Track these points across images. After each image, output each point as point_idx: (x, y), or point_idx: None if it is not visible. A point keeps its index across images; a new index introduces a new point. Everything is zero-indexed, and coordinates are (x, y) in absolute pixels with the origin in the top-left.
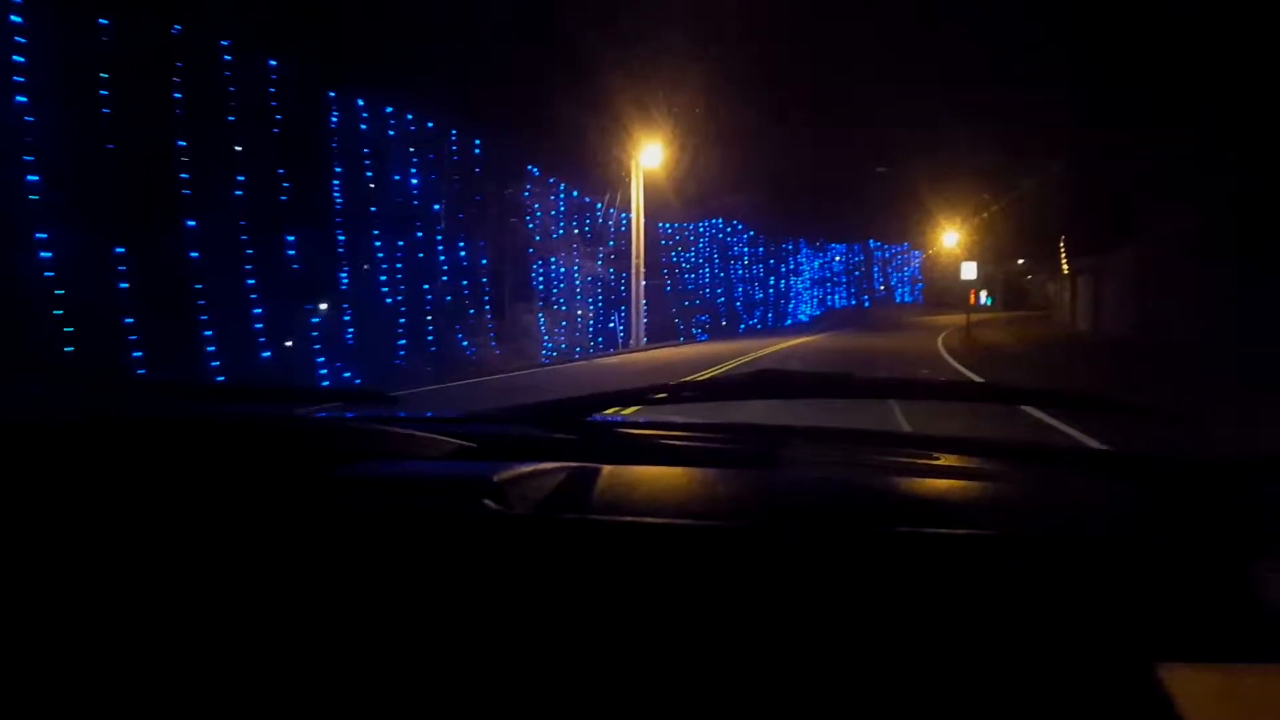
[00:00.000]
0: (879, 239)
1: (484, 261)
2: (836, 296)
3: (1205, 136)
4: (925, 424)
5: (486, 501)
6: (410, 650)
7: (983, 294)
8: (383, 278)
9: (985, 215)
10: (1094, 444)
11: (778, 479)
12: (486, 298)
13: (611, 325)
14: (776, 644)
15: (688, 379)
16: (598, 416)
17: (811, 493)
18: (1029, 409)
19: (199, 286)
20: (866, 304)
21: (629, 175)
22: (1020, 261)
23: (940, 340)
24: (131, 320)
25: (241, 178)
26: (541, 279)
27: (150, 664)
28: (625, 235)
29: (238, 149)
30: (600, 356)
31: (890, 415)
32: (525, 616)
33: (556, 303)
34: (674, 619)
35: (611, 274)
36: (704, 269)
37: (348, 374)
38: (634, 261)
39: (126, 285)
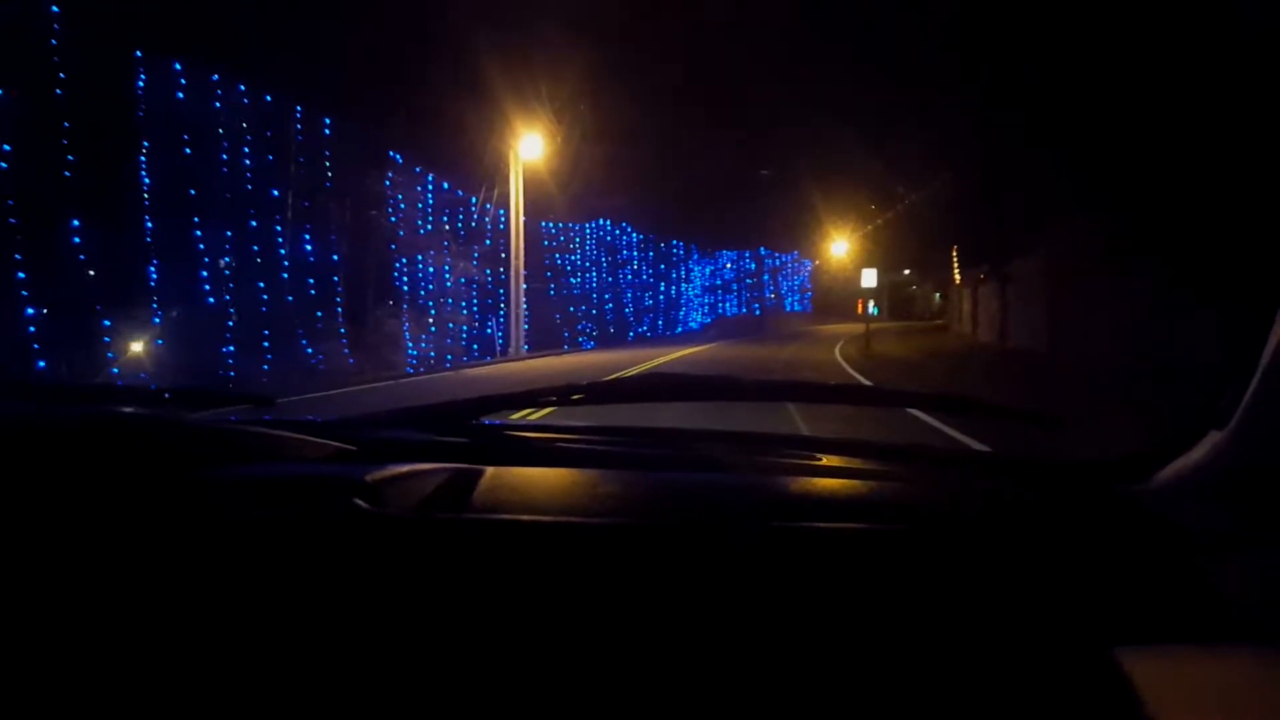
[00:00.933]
0: (770, 247)
1: (335, 258)
2: (728, 304)
3: (1109, 139)
4: (822, 429)
5: (358, 501)
6: (278, 650)
7: (870, 304)
8: (203, 274)
9: (874, 225)
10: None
11: (665, 479)
12: (339, 299)
13: (489, 332)
14: (655, 640)
15: (579, 384)
16: (486, 420)
17: (698, 492)
18: (921, 414)
19: None
20: (758, 311)
21: (507, 168)
22: (906, 272)
23: (838, 351)
24: None
25: (7, 147)
26: (406, 279)
27: (18, 669)
28: (504, 234)
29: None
30: (475, 365)
31: (790, 421)
32: (401, 617)
33: (424, 306)
34: (555, 617)
35: (489, 276)
36: (591, 273)
37: (154, 387)
38: (513, 262)
39: None
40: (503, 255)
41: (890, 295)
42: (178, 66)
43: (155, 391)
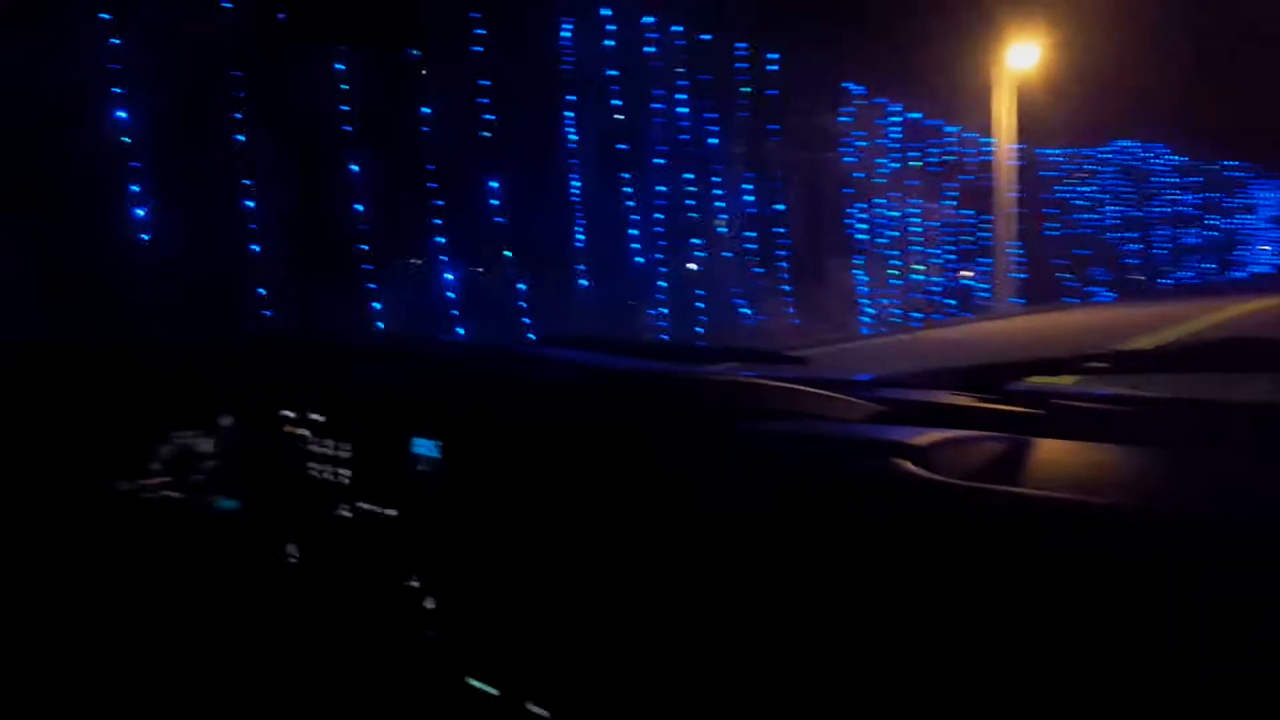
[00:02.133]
0: None
1: (780, 207)
2: None
3: None
4: None
5: (905, 464)
6: (815, 606)
7: None
8: (634, 232)
9: None
10: None
11: (1243, 467)
12: (782, 252)
13: (965, 283)
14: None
15: (1128, 347)
16: (1023, 385)
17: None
18: None
19: (364, 247)
20: None
21: (993, 83)
22: None
23: None
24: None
25: (427, 110)
26: (864, 226)
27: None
28: (988, 167)
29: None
30: (947, 325)
31: None
32: (944, 589)
33: (884, 256)
34: (1111, 622)
35: (968, 217)
36: (1108, 207)
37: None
38: (999, 199)
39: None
40: (983, 191)
41: None
42: (605, 11)
43: (701, 348)
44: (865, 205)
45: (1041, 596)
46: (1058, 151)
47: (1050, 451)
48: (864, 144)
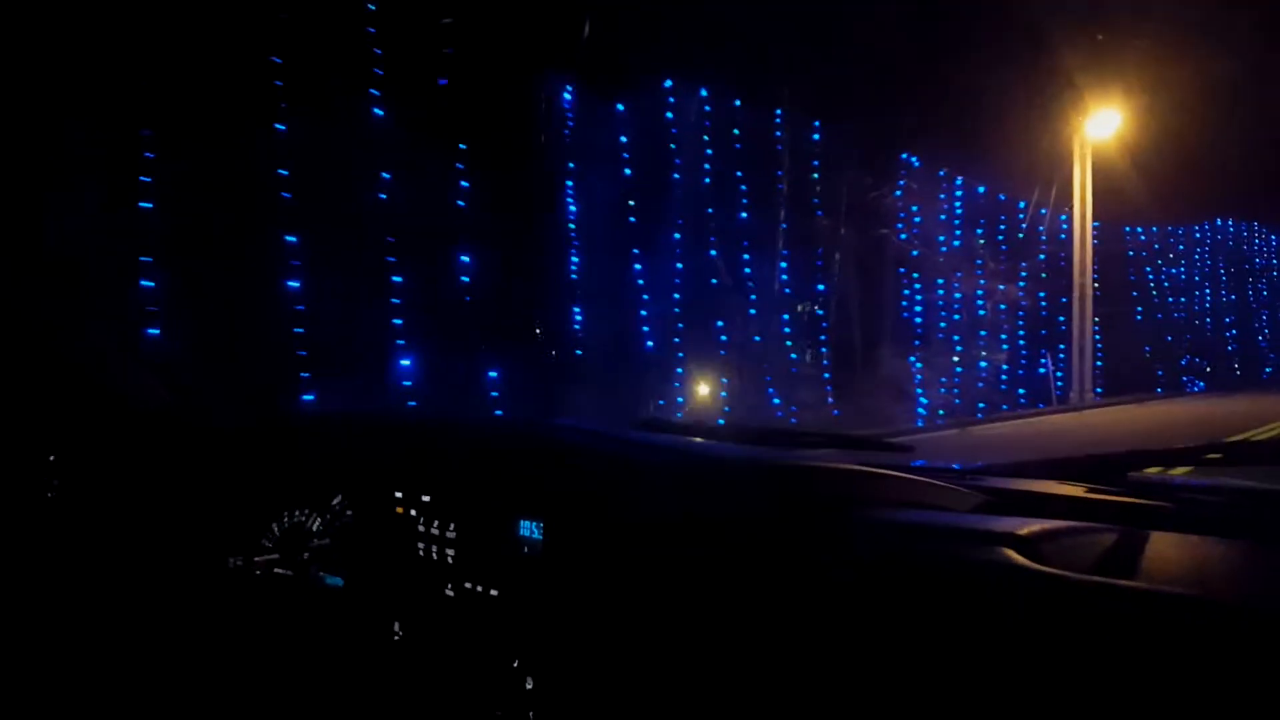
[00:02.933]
0: None
1: (821, 287)
2: None
3: None
4: None
5: (1010, 554)
6: (916, 688)
7: None
8: (644, 313)
9: None
10: None
11: None
12: (824, 336)
13: (1042, 370)
14: None
15: (1243, 438)
16: (1135, 475)
17: None
18: None
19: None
20: None
21: (1068, 157)
22: None
23: None
24: None
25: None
26: (920, 309)
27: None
28: (1065, 245)
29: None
30: (1018, 416)
31: None
32: (1056, 683)
33: (944, 342)
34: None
35: (1042, 300)
36: (1202, 290)
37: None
38: (1077, 280)
39: None
40: (1059, 271)
41: None
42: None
43: (803, 432)
44: (923, 285)
45: (1159, 695)
46: (1140, 230)
47: (1166, 545)
48: (921, 220)
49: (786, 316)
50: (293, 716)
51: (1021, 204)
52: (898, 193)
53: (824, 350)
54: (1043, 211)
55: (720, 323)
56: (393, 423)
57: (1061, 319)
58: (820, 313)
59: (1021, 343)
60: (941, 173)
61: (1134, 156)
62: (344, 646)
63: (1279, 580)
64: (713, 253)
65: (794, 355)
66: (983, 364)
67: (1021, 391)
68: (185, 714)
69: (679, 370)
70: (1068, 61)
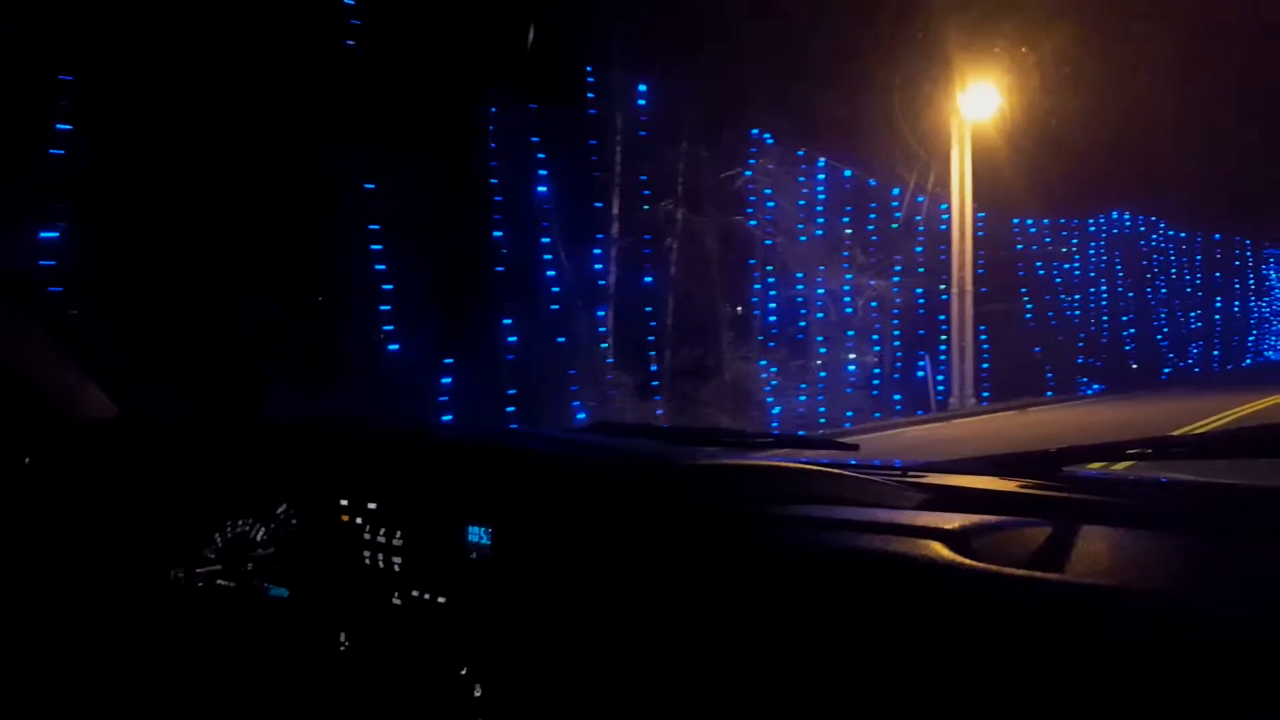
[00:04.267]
0: None
1: (648, 280)
2: None
3: None
4: None
5: (941, 548)
6: (846, 685)
7: None
8: (385, 308)
9: None
10: None
11: None
12: (651, 337)
13: (920, 374)
14: None
15: (1178, 433)
16: (1073, 470)
17: None
18: None
19: None
20: None
21: (952, 136)
22: None
23: None
24: None
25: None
26: (774, 306)
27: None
28: (944, 237)
29: None
30: (889, 426)
31: None
32: (976, 673)
33: (802, 343)
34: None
35: (920, 297)
36: (1097, 287)
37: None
38: (955, 275)
39: None
40: (938, 267)
41: None
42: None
43: (752, 433)
44: (778, 279)
45: (1080, 684)
46: (1030, 222)
47: (1097, 539)
48: (781, 205)
49: (602, 313)
50: None
51: (895, 190)
52: (748, 172)
53: (652, 354)
54: (920, 200)
55: (507, 320)
56: (338, 429)
57: (943, 317)
58: (649, 309)
59: (897, 343)
60: (801, 152)
61: (1022, 141)
62: (290, 658)
63: (1208, 571)
64: (497, 234)
65: (611, 360)
66: (851, 367)
67: (897, 397)
68: None
69: (444, 375)
70: (945, 29)
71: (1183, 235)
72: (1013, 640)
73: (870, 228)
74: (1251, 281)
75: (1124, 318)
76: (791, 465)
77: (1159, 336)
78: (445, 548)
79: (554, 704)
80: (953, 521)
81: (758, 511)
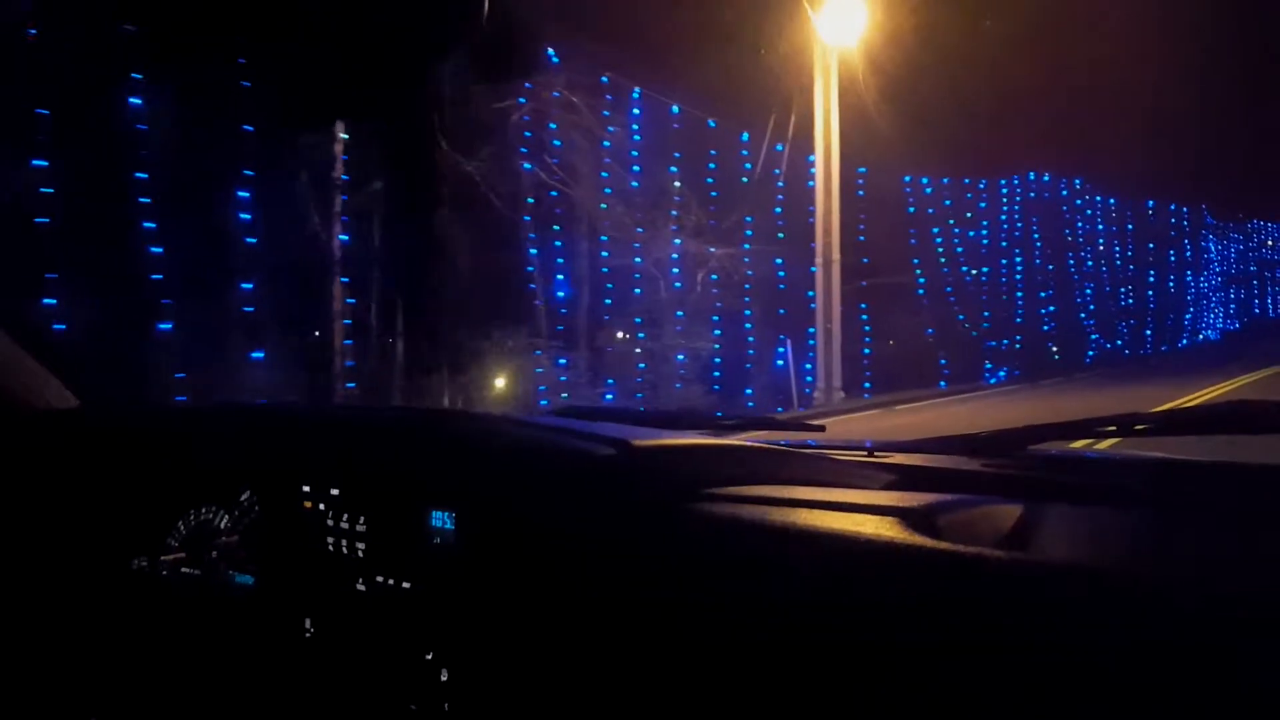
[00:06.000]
0: None
1: (343, 239)
2: (1270, 301)
3: None
4: None
5: (905, 528)
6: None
7: None
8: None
9: None
10: None
11: (1249, 530)
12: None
13: (780, 363)
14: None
15: (1144, 412)
16: (1039, 449)
17: None
18: None
19: None
20: None
21: (815, 67)
22: None
23: None
24: None
25: None
26: (565, 278)
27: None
28: (812, 197)
29: None
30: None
31: None
32: (940, 653)
33: (616, 324)
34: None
35: (780, 270)
36: (1010, 258)
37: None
38: (820, 242)
39: None
40: (811, 231)
41: None
42: None
43: (721, 415)
44: (566, 244)
45: (1044, 663)
46: (931, 182)
47: (1061, 516)
48: (574, 147)
49: (250, 286)
50: (206, 718)
51: (744, 135)
52: (524, 100)
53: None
54: (779, 148)
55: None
56: (300, 414)
57: (813, 294)
58: (344, 281)
59: (748, 326)
60: (605, 79)
61: (915, 80)
62: (255, 645)
63: (1171, 547)
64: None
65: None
66: (680, 356)
67: (749, 391)
68: None
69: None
70: None
71: (1112, 202)
72: (977, 620)
73: (710, 181)
74: (1189, 255)
75: (1041, 294)
76: (757, 446)
77: (1083, 315)
78: (409, 533)
79: (521, 687)
80: (918, 501)
81: (723, 492)
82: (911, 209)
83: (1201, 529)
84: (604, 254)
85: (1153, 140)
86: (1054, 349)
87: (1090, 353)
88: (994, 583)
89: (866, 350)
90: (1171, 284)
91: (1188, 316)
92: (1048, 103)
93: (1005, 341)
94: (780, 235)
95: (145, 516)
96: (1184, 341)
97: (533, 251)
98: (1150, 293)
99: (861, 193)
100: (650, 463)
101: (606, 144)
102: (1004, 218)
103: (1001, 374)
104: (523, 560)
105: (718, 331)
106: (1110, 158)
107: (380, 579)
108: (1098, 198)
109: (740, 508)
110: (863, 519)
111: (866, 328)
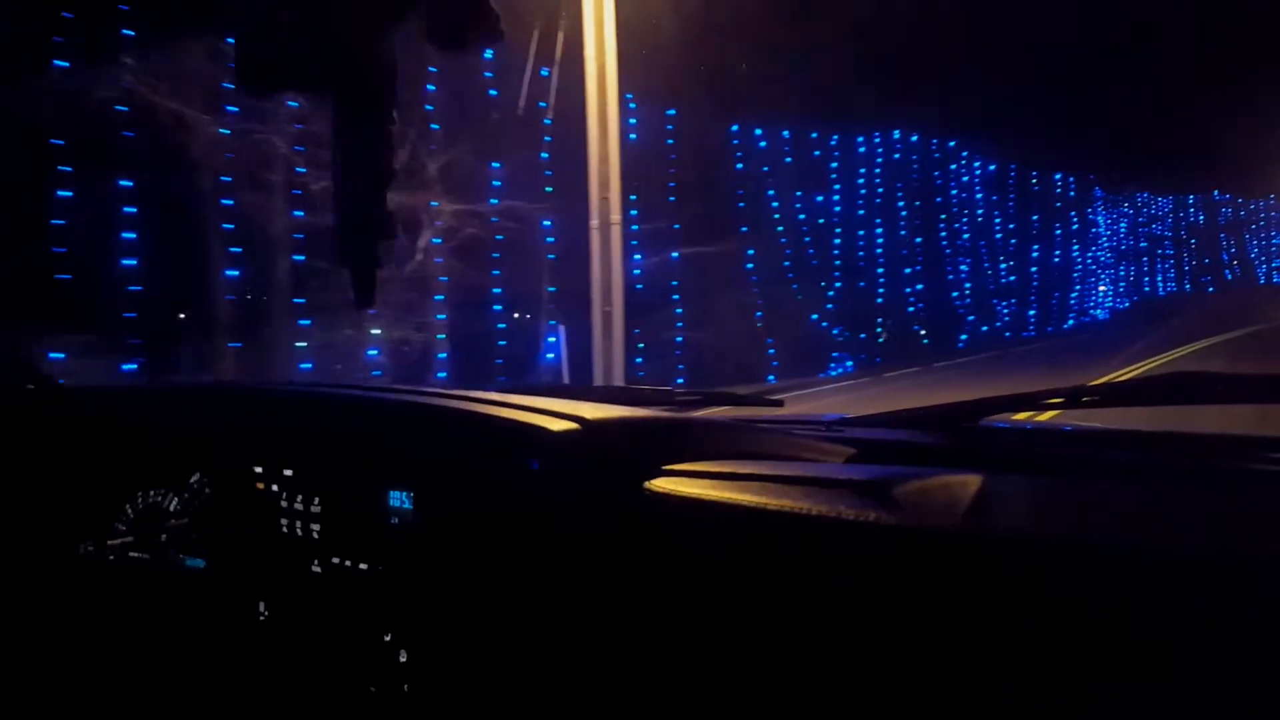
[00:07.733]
0: (1232, 190)
1: None
2: (1160, 278)
3: None
4: None
5: (863, 501)
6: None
7: None
8: None
9: None
10: None
11: (1189, 494)
12: None
13: (551, 355)
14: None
15: (1090, 384)
16: (987, 422)
17: (1233, 512)
18: None
19: None
20: (1212, 290)
21: None
22: None
23: None
24: None
25: None
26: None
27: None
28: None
29: None
30: None
31: None
32: (905, 627)
33: (256, 305)
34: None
35: (550, 233)
36: (868, 228)
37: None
38: (595, 199)
39: None
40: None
41: None
42: None
43: (669, 391)
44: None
45: (1002, 632)
46: (766, 133)
47: (1013, 487)
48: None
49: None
50: (158, 705)
51: (488, 53)
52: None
53: None
54: (544, 73)
55: None
56: (250, 394)
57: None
58: None
59: (498, 308)
60: None
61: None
62: (208, 629)
63: (1120, 515)
64: None
65: None
66: (373, 351)
67: (503, 380)
68: (43, 712)
69: None
70: None
71: (992, 167)
72: (937, 590)
73: (430, 108)
74: (1076, 227)
75: (906, 270)
76: (716, 421)
77: (955, 294)
78: (366, 513)
79: (480, 667)
80: (874, 474)
81: (682, 468)
82: (740, 165)
83: (1140, 495)
84: (225, 202)
85: (1040, 101)
86: (921, 333)
87: (963, 337)
88: (952, 553)
89: (679, 339)
90: (1057, 258)
91: (1074, 294)
92: (921, 47)
93: (855, 328)
94: (549, 190)
95: (91, 500)
96: (1070, 322)
97: (128, 210)
98: (1034, 269)
99: (672, 140)
100: (608, 438)
101: (251, 67)
102: (861, 181)
103: (848, 364)
104: (482, 539)
105: (441, 315)
106: (990, 117)
107: (336, 560)
108: (975, 162)
109: (699, 484)
110: (821, 493)
111: (679, 310)
